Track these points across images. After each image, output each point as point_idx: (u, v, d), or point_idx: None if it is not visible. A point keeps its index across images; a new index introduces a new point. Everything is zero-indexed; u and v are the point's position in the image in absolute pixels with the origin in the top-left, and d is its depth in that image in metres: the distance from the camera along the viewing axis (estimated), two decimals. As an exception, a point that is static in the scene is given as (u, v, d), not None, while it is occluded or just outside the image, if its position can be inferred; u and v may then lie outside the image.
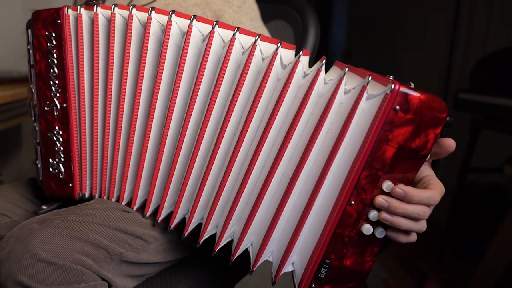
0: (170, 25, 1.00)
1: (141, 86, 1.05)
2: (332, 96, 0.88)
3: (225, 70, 0.98)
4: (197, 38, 1.00)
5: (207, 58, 0.98)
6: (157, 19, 1.02)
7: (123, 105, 1.08)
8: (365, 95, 0.85)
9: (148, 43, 1.02)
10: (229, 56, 0.96)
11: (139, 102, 1.07)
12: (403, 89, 0.82)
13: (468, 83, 3.01)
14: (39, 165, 1.20)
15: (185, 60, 1.00)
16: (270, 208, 0.99)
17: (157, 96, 1.05)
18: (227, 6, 1.37)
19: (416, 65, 4.67)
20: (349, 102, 0.88)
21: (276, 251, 1.02)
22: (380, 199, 0.88)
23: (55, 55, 1.10)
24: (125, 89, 1.07)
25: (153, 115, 1.06)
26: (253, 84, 0.98)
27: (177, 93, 1.03)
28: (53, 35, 1.09)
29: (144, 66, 1.04)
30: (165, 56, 1.02)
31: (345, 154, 0.89)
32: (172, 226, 1.12)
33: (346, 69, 0.90)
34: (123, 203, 1.16)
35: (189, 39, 0.99)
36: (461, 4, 4.10)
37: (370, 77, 0.86)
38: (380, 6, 5.39)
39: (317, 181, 0.92)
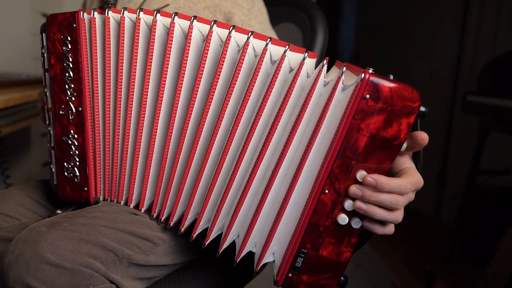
0: (173, 27, 1.01)
1: (148, 89, 1.06)
2: (311, 88, 0.91)
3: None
4: (198, 38, 1.02)
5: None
6: (162, 22, 1.03)
7: (131, 108, 1.09)
8: (340, 85, 0.89)
9: (154, 45, 1.03)
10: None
11: (145, 105, 1.08)
12: (373, 78, 0.85)
13: (477, 85, 3.00)
14: (53, 170, 1.19)
15: (186, 60, 1.02)
16: (255, 201, 1.01)
17: (162, 99, 1.06)
18: (236, 9, 1.37)
19: (425, 67, 4.66)
20: (327, 93, 0.90)
21: (259, 242, 1.04)
22: (354, 188, 0.90)
23: (70, 59, 1.09)
24: (133, 92, 1.08)
25: (158, 117, 1.07)
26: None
27: (179, 95, 1.04)
28: (69, 39, 1.09)
29: (150, 69, 1.05)
30: (169, 57, 1.03)
31: (322, 144, 0.93)
32: (172, 223, 1.13)
33: (325, 61, 0.93)
34: (131, 205, 1.16)
35: (190, 40, 1.01)
36: (470, 7, 4.10)
37: (344, 68, 0.89)
38: (388, 9, 5.39)
39: (296, 171, 0.95)
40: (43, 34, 1.13)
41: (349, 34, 6.65)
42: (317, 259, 0.98)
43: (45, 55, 1.13)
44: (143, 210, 1.16)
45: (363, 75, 0.84)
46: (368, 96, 0.85)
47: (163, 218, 1.14)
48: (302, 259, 0.98)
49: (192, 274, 1.29)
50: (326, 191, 0.92)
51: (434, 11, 4.59)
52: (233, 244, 1.08)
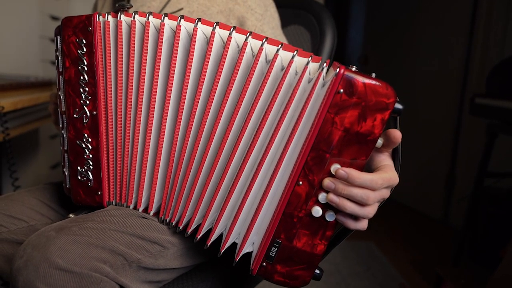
0: (180, 29, 1.02)
1: (156, 92, 1.07)
2: (296, 85, 0.94)
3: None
4: (202, 40, 1.02)
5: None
6: (169, 25, 1.03)
7: (140, 111, 1.09)
8: (320, 81, 0.92)
9: (162, 47, 1.04)
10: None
11: (153, 107, 1.08)
12: (347, 73, 0.87)
13: (485, 88, 3.00)
14: (66, 173, 1.19)
15: (191, 61, 1.03)
16: (242, 194, 1.04)
17: (169, 100, 1.07)
18: (250, 14, 1.38)
19: (433, 70, 4.66)
20: (309, 89, 0.93)
21: (242, 233, 1.06)
22: (328, 181, 0.93)
23: (85, 62, 1.09)
24: (142, 94, 1.08)
25: (165, 120, 1.08)
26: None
27: (185, 97, 1.05)
28: (84, 42, 1.08)
29: (158, 72, 1.06)
30: (176, 59, 1.04)
31: (301, 138, 0.95)
32: (173, 222, 1.14)
33: (310, 58, 0.94)
34: (141, 208, 1.16)
35: (195, 41, 1.02)
36: (478, 9, 4.10)
37: (325, 64, 0.92)
38: (397, 12, 5.39)
39: (276, 164, 0.98)
40: (58, 37, 1.12)
41: (358, 37, 6.64)
42: (291, 249, 1.00)
43: (60, 58, 1.13)
44: (151, 213, 1.16)
45: (338, 69, 0.87)
46: (342, 90, 0.88)
47: (168, 219, 1.14)
48: (276, 249, 1.01)
49: (200, 277, 1.29)
50: (300, 183, 0.95)
51: (442, 14, 4.59)
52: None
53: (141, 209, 1.16)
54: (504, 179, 3.24)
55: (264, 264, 1.02)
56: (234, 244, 1.09)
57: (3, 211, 1.24)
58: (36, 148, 2.78)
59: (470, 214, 3.08)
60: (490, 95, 2.85)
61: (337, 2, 7.18)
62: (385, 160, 0.98)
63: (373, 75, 0.89)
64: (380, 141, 0.94)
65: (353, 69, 0.89)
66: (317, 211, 0.96)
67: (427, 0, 4.86)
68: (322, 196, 0.95)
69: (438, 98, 4.58)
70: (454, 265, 3.15)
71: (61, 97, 1.15)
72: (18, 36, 2.73)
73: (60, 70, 1.13)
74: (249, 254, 1.07)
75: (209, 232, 1.09)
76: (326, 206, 0.96)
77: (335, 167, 0.92)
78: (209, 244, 1.08)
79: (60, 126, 1.18)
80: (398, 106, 0.89)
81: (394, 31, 5.42)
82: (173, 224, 1.14)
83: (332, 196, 0.93)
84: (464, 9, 4.28)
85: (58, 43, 1.12)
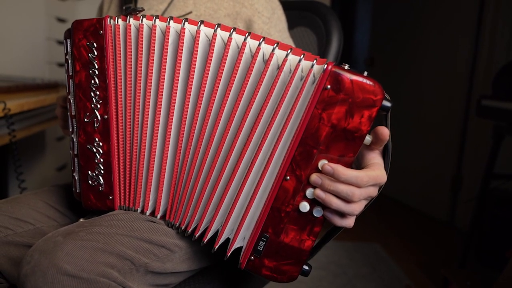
0: (184, 32, 1.02)
1: (162, 94, 1.07)
2: (288, 83, 0.96)
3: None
4: (205, 42, 1.03)
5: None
6: (174, 28, 1.04)
7: (147, 113, 1.09)
8: (310, 78, 0.94)
9: (167, 50, 1.05)
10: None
11: (160, 108, 1.08)
12: (335, 69, 0.89)
13: (491, 90, 2.99)
14: (76, 178, 1.18)
15: (195, 63, 1.04)
16: (237, 191, 1.06)
17: (174, 102, 1.07)
18: (257, 17, 1.38)
19: (440, 72, 4.65)
20: (301, 86, 0.94)
21: (234, 229, 1.07)
22: (315, 176, 0.95)
23: (96, 66, 1.09)
24: (149, 97, 1.08)
25: (171, 122, 1.08)
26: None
27: (189, 98, 1.06)
28: (95, 45, 1.08)
29: (164, 75, 1.06)
30: (180, 61, 1.05)
31: (291, 133, 0.97)
32: (177, 224, 1.14)
33: (302, 56, 0.95)
34: (148, 212, 1.16)
35: (198, 43, 1.02)
36: (484, 11, 4.09)
37: (315, 61, 0.93)
38: (403, 14, 5.38)
39: (267, 160, 1.00)
40: (68, 40, 1.11)
41: (364, 39, 6.63)
42: (279, 244, 1.02)
43: (70, 61, 1.12)
44: (158, 216, 1.16)
45: (325, 66, 0.89)
46: (329, 86, 0.90)
47: (173, 221, 1.14)
48: (264, 243, 1.03)
49: (207, 279, 1.29)
50: (288, 178, 0.97)
51: (449, 16, 4.58)
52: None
53: (148, 212, 1.16)
54: (510, 181, 3.23)
55: (252, 258, 1.04)
56: (214, 232, 1.10)
57: (10, 214, 1.24)
58: (43, 150, 2.79)
59: (476, 216, 3.07)
60: (497, 97, 2.85)
61: (343, 4, 7.18)
62: (375, 158, 0.99)
63: (365, 73, 0.90)
64: (368, 138, 0.95)
65: (346, 67, 0.90)
66: (304, 206, 0.97)
67: (434, 2, 4.86)
68: (309, 192, 0.96)
69: (444, 99, 4.58)
70: (460, 267, 3.15)
71: (71, 100, 1.14)
72: (24, 38, 2.74)
73: (70, 73, 1.13)
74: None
75: (207, 230, 1.10)
76: (314, 202, 0.97)
77: (322, 163, 0.93)
78: (205, 241, 1.09)
79: (70, 130, 1.17)
80: (386, 103, 0.90)
81: (400, 33, 5.42)
82: (177, 225, 1.14)
83: (318, 192, 0.94)
84: (470, 11, 4.28)
85: (68, 46, 1.12)
